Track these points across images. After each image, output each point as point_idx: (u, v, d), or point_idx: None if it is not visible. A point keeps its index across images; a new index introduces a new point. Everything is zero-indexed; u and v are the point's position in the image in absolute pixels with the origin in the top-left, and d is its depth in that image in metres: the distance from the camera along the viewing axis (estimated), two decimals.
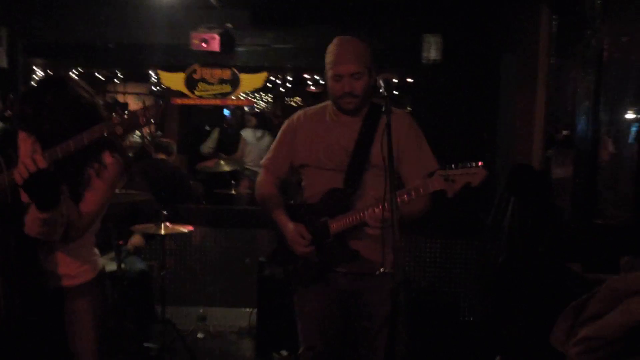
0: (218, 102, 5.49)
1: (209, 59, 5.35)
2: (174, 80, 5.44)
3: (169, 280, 4.54)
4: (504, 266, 3.74)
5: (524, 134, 4.47)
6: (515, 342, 3.52)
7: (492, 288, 3.78)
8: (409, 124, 2.80)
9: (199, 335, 5.24)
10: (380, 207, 2.50)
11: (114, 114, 2.29)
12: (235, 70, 5.42)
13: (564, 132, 4.01)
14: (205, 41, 5.03)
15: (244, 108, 7.91)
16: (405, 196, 2.50)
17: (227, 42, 5.18)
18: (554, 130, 4.19)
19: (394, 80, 2.63)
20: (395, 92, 2.54)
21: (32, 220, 2.38)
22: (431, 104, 5.32)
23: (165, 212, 4.40)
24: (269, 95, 7.55)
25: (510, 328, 3.56)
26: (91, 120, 2.51)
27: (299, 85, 10.14)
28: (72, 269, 2.64)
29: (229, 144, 7.83)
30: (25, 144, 2.54)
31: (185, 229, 4.47)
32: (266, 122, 8.05)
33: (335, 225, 2.71)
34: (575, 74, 4.17)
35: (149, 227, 4.36)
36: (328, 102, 2.89)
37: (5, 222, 2.43)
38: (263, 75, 5.48)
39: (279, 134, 2.98)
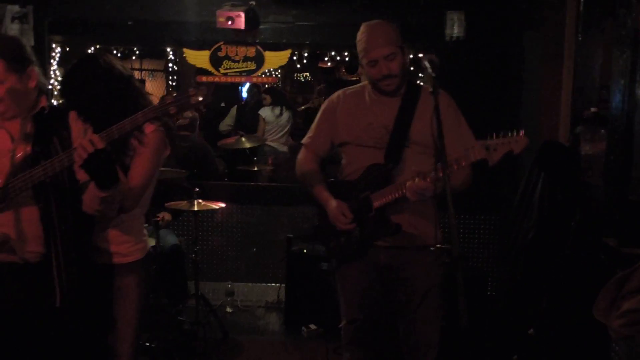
0: (243, 79, 5.57)
1: (234, 37, 5.40)
2: (199, 58, 5.52)
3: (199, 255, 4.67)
4: (534, 242, 3.84)
5: (550, 111, 4.55)
6: (542, 316, 3.63)
7: (522, 264, 3.89)
8: (449, 101, 2.93)
9: (228, 309, 5.40)
10: (419, 178, 2.63)
11: (166, 93, 2.37)
12: (259, 48, 5.49)
13: (592, 110, 4.08)
14: (231, 19, 5.09)
15: (259, 85, 7.95)
16: (455, 166, 2.61)
17: (252, 19, 5.24)
18: (581, 107, 4.26)
19: (436, 60, 2.71)
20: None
21: (91, 199, 2.49)
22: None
23: (197, 189, 4.51)
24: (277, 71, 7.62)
25: (537, 303, 3.67)
26: (128, 94, 2.69)
27: (314, 61, 10.21)
28: (124, 248, 2.77)
29: (247, 121, 7.90)
30: (76, 124, 2.63)
31: (217, 205, 4.58)
32: (280, 98, 8.10)
33: (377, 200, 2.82)
34: (604, 51, 4.25)
35: (182, 204, 4.47)
36: (366, 83, 3.01)
37: (63, 201, 2.53)
38: (287, 52, 5.56)
39: (319, 113, 3.12)
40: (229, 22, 5.09)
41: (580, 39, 4.28)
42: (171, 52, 8.42)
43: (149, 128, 2.66)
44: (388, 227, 2.84)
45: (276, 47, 5.56)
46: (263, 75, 5.59)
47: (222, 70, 5.49)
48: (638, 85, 3.04)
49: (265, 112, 7.84)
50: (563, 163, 3.80)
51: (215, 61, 5.50)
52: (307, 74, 13.70)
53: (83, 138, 2.31)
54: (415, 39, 5.58)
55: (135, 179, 2.61)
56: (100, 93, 2.63)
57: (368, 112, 2.95)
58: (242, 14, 5.11)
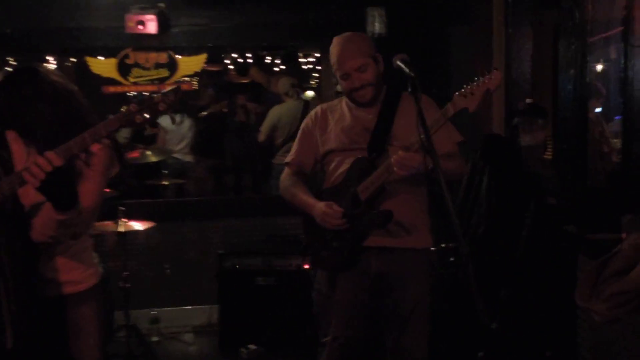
0: (155, 88, 5.45)
1: (142, 42, 5.29)
2: (105, 67, 5.34)
3: (113, 282, 4.49)
4: (485, 236, 4.04)
5: (482, 105, 4.78)
6: (504, 310, 3.83)
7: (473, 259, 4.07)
8: (431, 104, 3.01)
9: (154, 338, 5.24)
10: (402, 150, 2.72)
11: (132, 102, 2.30)
12: (172, 53, 5.40)
13: (528, 101, 4.35)
14: (142, 23, 4.98)
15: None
16: (429, 126, 2.64)
17: (163, 22, 5.16)
18: (515, 99, 4.53)
19: (408, 59, 2.83)
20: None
21: (44, 224, 2.39)
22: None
23: (122, 208, 4.38)
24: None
25: (497, 297, 3.87)
26: (71, 109, 2.55)
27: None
28: (76, 274, 2.65)
29: (147, 133, 7.72)
30: (17, 144, 2.52)
31: (145, 225, 4.47)
32: (184, 105, 8.00)
33: (364, 190, 2.90)
34: (534, 43, 4.55)
35: (108, 225, 4.32)
36: (343, 97, 3.13)
37: (10, 231, 2.40)
38: (203, 56, 5.51)
39: (300, 132, 3.23)
40: (140, 27, 4.98)
41: (510, 31, 4.55)
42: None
43: (95, 146, 2.57)
44: (379, 216, 2.90)
45: (190, 52, 5.49)
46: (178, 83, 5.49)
47: (131, 79, 5.36)
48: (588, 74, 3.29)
49: (165, 121, 7.69)
50: (507, 155, 4.01)
51: (124, 69, 5.35)
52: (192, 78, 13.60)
53: (37, 156, 2.18)
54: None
55: (86, 201, 2.46)
56: (44, 110, 2.46)
57: (347, 119, 3.07)
58: (154, 17, 5.01)
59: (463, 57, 5.09)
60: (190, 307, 5.50)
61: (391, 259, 2.97)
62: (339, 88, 11.42)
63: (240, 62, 10.11)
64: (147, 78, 5.38)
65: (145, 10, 5.07)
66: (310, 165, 3.19)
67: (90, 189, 2.51)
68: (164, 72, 5.39)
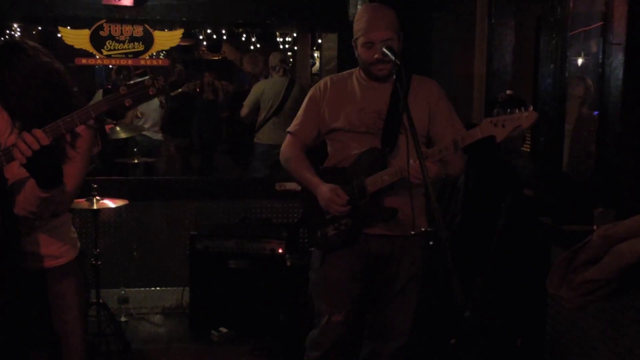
0: (129, 62, 5.58)
1: (117, 14, 5.40)
2: (78, 38, 5.45)
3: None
4: (462, 225, 4.29)
5: (462, 95, 5.03)
6: (478, 298, 4.09)
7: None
8: (439, 90, 3.26)
9: (122, 318, 5.41)
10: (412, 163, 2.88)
11: (121, 84, 2.42)
12: (147, 27, 5.52)
13: (508, 92, 4.59)
14: None
15: (130, 68, 7.91)
16: (452, 144, 2.92)
17: None
18: (496, 90, 4.77)
19: (394, 47, 3.03)
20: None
21: (27, 200, 2.52)
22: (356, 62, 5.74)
23: (95, 185, 4.53)
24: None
25: (471, 285, 4.12)
26: (57, 88, 2.66)
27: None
28: (54, 249, 2.80)
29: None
30: (1, 116, 2.65)
31: (118, 203, 4.63)
32: None
33: (372, 184, 3.06)
34: (516, 35, 4.79)
35: (82, 203, 4.47)
36: (354, 70, 3.27)
37: None
38: (179, 32, 5.64)
39: (305, 101, 3.33)
40: None
41: (493, 22, 4.78)
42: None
43: (79, 127, 2.70)
44: (384, 212, 3.10)
45: (166, 26, 5.62)
46: (152, 58, 5.63)
47: (105, 52, 5.46)
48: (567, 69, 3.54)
49: None
50: (485, 145, 4.25)
51: (97, 41, 5.46)
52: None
53: (25, 133, 2.29)
54: (317, 19, 5.89)
55: (69, 181, 2.60)
56: (31, 86, 2.57)
57: (359, 97, 3.18)
58: None
59: (445, 44, 5.31)
60: (160, 288, 5.67)
61: (390, 242, 3.18)
62: (315, 69, 11.55)
63: (213, 39, 10.22)
64: (121, 51, 5.49)
65: None
66: (313, 137, 3.31)
67: (74, 169, 2.65)
68: (139, 46, 5.51)
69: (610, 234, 2.83)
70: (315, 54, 12.79)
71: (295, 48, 11.16)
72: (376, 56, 3.04)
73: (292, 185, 5.51)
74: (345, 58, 9.50)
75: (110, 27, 5.45)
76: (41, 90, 2.60)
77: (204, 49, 14.05)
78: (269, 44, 10.45)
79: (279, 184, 5.69)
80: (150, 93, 2.37)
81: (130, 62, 5.56)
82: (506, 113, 2.86)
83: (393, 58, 2.86)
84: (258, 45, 10.41)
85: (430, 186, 2.51)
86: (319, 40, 10.33)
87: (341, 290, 3.23)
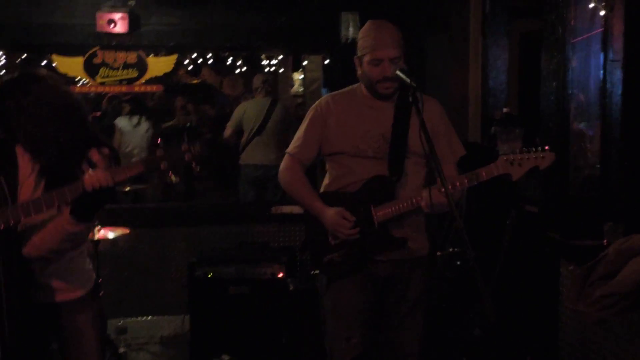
0: (124, 89, 5.60)
1: (109, 41, 5.42)
2: (71, 65, 5.46)
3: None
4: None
5: (457, 113, 5.11)
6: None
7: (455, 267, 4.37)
8: (441, 110, 3.24)
9: (121, 349, 5.36)
10: (436, 190, 2.87)
11: (159, 148, 2.42)
12: (141, 53, 5.55)
13: (505, 110, 4.69)
14: (113, 22, 5.13)
15: (118, 96, 7.93)
16: (466, 181, 2.93)
17: (134, 21, 5.31)
18: (492, 108, 4.87)
19: (406, 68, 3.06)
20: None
21: (49, 238, 2.50)
22: (350, 83, 5.80)
23: None
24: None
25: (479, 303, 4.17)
26: (78, 117, 2.65)
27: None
28: (70, 281, 2.76)
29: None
30: (23, 160, 2.57)
31: (120, 231, 4.61)
32: (141, 107, 8.10)
33: (381, 213, 3.04)
34: (510, 53, 4.89)
35: None
36: (355, 86, 3.24)
37: (9, 245, 2.47)
38: (173, 57, 5.68)
39: (306, 121, 3.27)
40: (111, 26, 5.13)
41: (487, 41, 4.88)
42: None
43: (95, 156, 2.68)
44: (392, 242, 3.08)
45: (160, 52, 5.65)
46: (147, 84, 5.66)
47: (98, 79, 5.49)
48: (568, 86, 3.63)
49: (122, 122, 7.75)
50: (485, 163, 4.32)
51: (91, 69, 5.48)
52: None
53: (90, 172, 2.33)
54: (310, 41, 5.96)
55: None
56: (48, 123, 2.53)
57: (363, 118, 3.13)
58: (126, 16, 5.17)
59: (439, 65, 5.40)
60: (158, 317, 5.64)
61: (398, 266, 3.16)
62: (293, 90, 11.60)
63: (196, 63, 10.23)
64: (115, 78, 5.52)
65: (115, 8, 5.22)
66: (313, 158, 3.27)
67: None
68: (133, 73, 5.54)
69: (625, 247, 2.90)
70: (295, 76, 12.94)
71: (281, 70, 11.29)
72: (385, 74, 3.01)
73: (288, 209, 5.56)
74: (329, 79, 9.63)
75: (104, 54, 5.47)
76: (56, 122, 2.56)
77: (182, 72, 14.08)
78: (254, 67, 10.52)
79: (275, 207, 5.73)
80: (186, 159, 2.40)
81: (124, 88, 5.58)
82: (526, 152, 2.89)
83: (408, 81, 2.85)
84: (244, 69, 10.48)
85: (454, 205, 2.53)
86: (305, 62, 10.52)
87: (355, 313, 3.18)
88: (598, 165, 3.63)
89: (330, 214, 3.07)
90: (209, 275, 5.13)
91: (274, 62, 10.10)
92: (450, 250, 2.90)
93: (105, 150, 2.66)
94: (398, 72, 2.94)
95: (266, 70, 10.52)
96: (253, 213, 5.79)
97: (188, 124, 9.60)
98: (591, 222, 3.49)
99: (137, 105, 7.98)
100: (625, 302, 2.85)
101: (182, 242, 5.67)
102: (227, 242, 5.61)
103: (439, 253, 3.02)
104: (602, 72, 3.63)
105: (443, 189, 2.80)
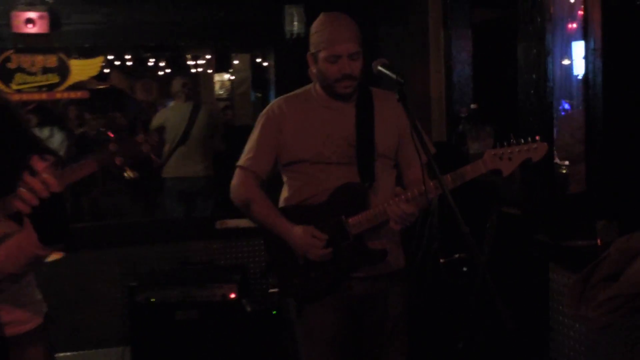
0: (44, 96, 5.43)
1: (25, 43, 5.26)
2: None
3: None
4: (441, 251, 4.40)
5: (419, 112, 5.18)
6: (470, 327, 4.20)
7: (430, 276, 4.43)
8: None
9: None
10: (403, 202, 2.84)
11: (111, 141, 2.30)
12: (62, 56, 5.40)
13: (473, 106, 4.77)
14: (32, 21, 4.99)
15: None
16: (450, 180, 2.89)
17: (54, 21, 5.19)
18: (458, 104, 4.95)
19: (389, 63, 3.03)
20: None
21: (11, 260, 2.43)
22: (297, 82, 5.79)
23: None
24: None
25: (462, 314, 4.23)
26: (12, 127, 2.62)
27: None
28: (20, 313, 2.67)
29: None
30: None
31: (54, 256, 4.45)
32: (51, 116, 7.89)
33: (356, 225, 2.96)
34: (474, 45, 5.00)
35: None
36: (309, 87, 3.18)
37: None
38: (99, 59, 5.55)
39: (257, 128, 3.17)
40: (30, 26, 4.99)
41: (449, 32, 4.97)
42: None
43: (39, 165, 2.63)
44: (372, 255, 3.01)
45: (84, 54, 5.52)
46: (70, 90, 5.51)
47: (14, 87, 5.29)
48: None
49: (40, 134, 7.56)
50: (454, 164, 4.41)
51: (6, 75, 5.29)
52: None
53: (30, 178, 2.18)
54: (252, 37, 5.94)
55: None
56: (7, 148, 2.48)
57: (322, 121, 3.06)
58: (46, 15, 5.03)
59: (396, 58, 5.43)
60: (93, 350, 5.48)
61: (373, 283, 3.10)
62: (220, 92, 11.63)
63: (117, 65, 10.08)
64: (33, 85, 5.34)
65: (33, 6, 5.07)
66: (269, 170, 3.16)
67: None
68: (54, 78, 5.37)
69: (629, 246, 2.99)
70: (218, 77, 12.87)
71: (208, 71, 11.23)
72: (344, 72, 2.94)
73: (234, 223, 5.51)
74: (259, 79, 9.60)
75: (19, 58, 5.29)
76: (14, 148, 2.50)
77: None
78: (178, 68, 10.45)
79: (219, 221, 5.67)
80: (144, 151, 2.31)
81: (44, 96, 5.40)
82: (515, 144, 2.86)
83: (395, 77, 2.76)
84: (167, 71, 10.38)
85: (457, 210, 2.55)
86: (236, 62, 10.50)
87: (330, 340, 3.11)
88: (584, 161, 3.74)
89: (298, 233, 2.98)
90: (152, 300, 5.06)
91: (200, 62, 10.02)
92: (457, 256, 2.90)
93: (50, 158, 2.61)
94: (380, 68, 2.86)
95: (193, 70, 10.45)
96: (195, 229, 5.70)
97: (101, 129, 9.44)
98: (582, 221, 3.59)
99: (46, 115, 7.76)
100: (632, 304, 2.93)
101: (115, 265, 5.50)
102: (167, 263, 5.51)
103: (442, 260, 3.01)
104: (584, 62, 3.75)
105: (409, 195, 2.85)
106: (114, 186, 9.76)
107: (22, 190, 2.17)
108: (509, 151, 2.85)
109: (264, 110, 3.20)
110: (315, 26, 3.06)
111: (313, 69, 3.08)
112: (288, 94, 3.23)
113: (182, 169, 6.88)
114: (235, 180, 3.18)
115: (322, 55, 2.97)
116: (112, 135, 2.33)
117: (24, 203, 2.16)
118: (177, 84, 7.11)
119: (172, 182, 6.96)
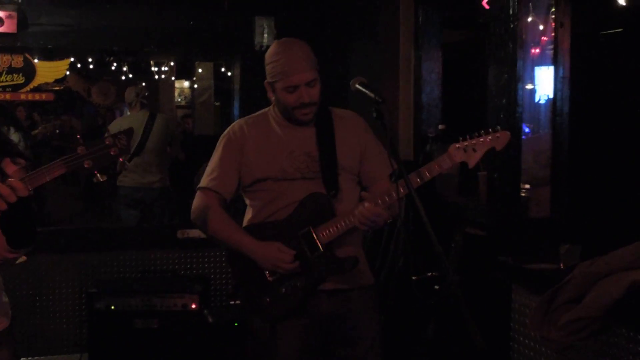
0: (8, 96, 5.42)
1: None
2: None
3: None
4: (405, 269, 4.51)
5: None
6: (431, 347, 4.31)
7: (392, 295, 4.53)
8: (363, 121, 3.26)
9: None
10: (370, 203, 2.87)
11: (79, 145, 2.33)
12: (28, 57, 5.41)
13: (440, 127, 4.90)
14: (0, 21, 4.98)
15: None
16: (418, 180, 2.95)
17: (22, 21, 5.19)
18: (427, 124, 5.07)
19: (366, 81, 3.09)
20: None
21: None
22: (264, 97, 5.87)
23: None
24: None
25: (423, 334, 4.34)
26: (3, 150, 2.61)
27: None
28: None
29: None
30: None
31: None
32: (6, 116, 7.83)
33: (325, 234, 3.01)
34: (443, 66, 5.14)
35: None
36: (267, 110, 3.24)
37: None
38: (65, 62, 5.57)
39: (218, 150, 3.21)
40: None
41: (420, 53, 5.10)
42: None
43: (10, 168, 2.66)
44: (344, 263, 3.04)
45: (51, 56, 5.52)
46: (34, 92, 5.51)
47: None
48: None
49: None
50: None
51: None
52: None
53: None
54: (221, 48, 6.00)
55: None
56: None
57: (283, 139, 3.13)
58: (15, 15, 5.03)
59: (366, 76, 5.54)
60: (49, 357, 5.45)
61: (342, 299, 3.14)
62: (180, 101, 11.63)
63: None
64: None
65: (1, 5, 5.07)
66: (232, 192, 3.19)
67: None
68: (19, 79, 5.38)
69: (592, 270, 3.12)
70: (178, 84, 12.87)
71: (166, 77, 11.22)
72: (303, 101, 3.00)
73: (196, 232, 5.52)
74: (222, 88, 9.64)
75: None
76: None
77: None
78: (140, 73, 10.44)
79: (181, 231, 5.69)
80: (112, 153, 2.35)
81: (9, 96, 5.39)
82: (477, 136, 2.93)
83: (373, 96, 2.79)
84: (131, 76, 10.35)
85: (430, 228, 2.62)
86: (199, 70, 10.52)
87: None
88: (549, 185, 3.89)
89: (264, 250, 3.03)
90: (111, 307, 5.07)
91: (164, 68, 10.03)
92: (429, 274, 2.97)
93: (21, 162, 2.65)
94: (358, 86, 2.91)
95: (155, 77, 10.45)
96: (156, 237, 5.72)
97: (57, 131, 9.39)
98: (546, 245, 3.72)
99: (2, 115, 7.70)
100: (594, 327, 3.06)
101: (73, 271, 5.50)
102: (127, 271, 5.54)
103: (414, 277, 3.08)
104: (553, 89, 3.90)
105: (379, 201, 2.89)
106: (66, 190, 9.73)
107: None
108: (473, 142, 2.93)
109: (225, 132, 3.25)
110: (270, 56, 3.10)
111: (271, 96, 3.14)
112: (248, 117, 3.28)
113: (137, 179, 6.86)
114: (196, 202, 3.20)
115: (279, 85, 3.03)
116: (79, 137, 2.36)
117: None
118: (130, 93, 7.06)
119: (126, 191, 6.94)
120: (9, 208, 2.22)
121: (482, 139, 2.93)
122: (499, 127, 2.94)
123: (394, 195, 2.89)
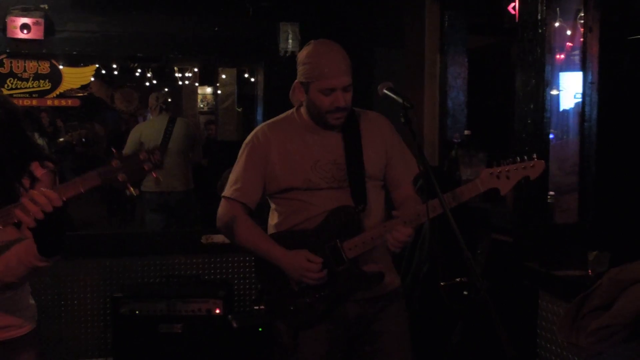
0: (35, 102, 5.48)
1: (19, 48, 5.32)
2: None
3: None
4: (430, 275, 4.50)
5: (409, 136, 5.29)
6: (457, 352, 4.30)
7: (417, 300, 4.52)
8: (389, 123, 3.22)
9: None
10: (401, 225, 2.87)
11: (114, 158, 2.33)
12: (55, 63, 5.47)
13: (466, 132, 4.90)
14: (27, 27, 5.04)
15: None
16: (452, 202, 2.94)
17: (48, 27, 5.25)
18: (452, 130, 5.08)
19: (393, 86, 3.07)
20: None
21: (10, 270, 2.48)
22: (285, 99, 5.89)
23: None
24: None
25: (449, 338, 4.33)
26: (14, 132, 2.65)
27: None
28: (14, 318, 2.73)
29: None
30: None
31: None
32: (32, 120, 7.95)
33: (351, 249, 2.97)
34: (464, 71, 5.14)
35: None
36: (290, 113, 3.18)
37: None
38: (91, 68, 5.62)
39: (242, 158, 3.15)
40: (24, 31, 5.04)
41: (445, 58, 5.11)
42: None
43: (39, 171, 2.67)
44: (369, 278, 3.02)
45: (77, 62, 5.58)
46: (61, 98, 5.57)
47: (5, 91, 5.34)
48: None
49: None
50: (447, 189, 4.51)
51: None
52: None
53: (36, 193, 2.24)
54: (245, 54, 6.03)
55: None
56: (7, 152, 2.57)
57: (308, 147, 3.07)
58: (42, 21, 5.09)
59: (390, 80, 5.56)
60: None
61: (369, 305, 3.12)
62: (202, 107, 11.67)
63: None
64: (24, 90, 5.40)
65: (28, 12, 5.13)
66: (257, 200, 3.14)
67: None
68: (46, 85, 5.44)
69: (620, 277, 3.11)
70: (201, 90, 12.93)
71: (190, 84, 11.30)
72: (338, 105, 2.94)
73: (220, 238, 5.56)
74: (245, 94, 9.66)
75: (11, 62, 5.35)
76: (6, 130, 2.60)
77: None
78: (164, 79, 10.52)
79: (205, 236, 5.72)
80: (146, 169, 2.34)
81: (35, 102, 5.46)
82: (511, 163, 2.89)
83: (402, 101, 2.81)
84: (154, 82, 10.43)
85: (459, 234, 2.64)
86: (223, 76, 10.58)
87: None
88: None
89: (292, 258, 2.99)
90: (136, 312, 5.11)
91: (187, 74, 10.09)
92: (458, 280, 2.94)
93: (49, 165, 2.68)
94: (386, 91, 2.91)
95: (179, 83, 10.52)
96: (181, 243, 5.75)
97: (83, 139, 9.48)
98: (574, 251, 3.71)
99: (28, 121, 7.79)
100: (623, 334, 3.05)
101: (98, 276, 5.54)
102: (151, 275, 5.59)
103: (442, 283, 3.04)
104: (582, 96, 3.89)
105: (407, 217, 2.89)
106: (90, 195, 9.79)
107: (27, 202, 2.22)
108: (507, 169, 2.87)
109: (248, 139, 3.19)
110: (306, 55, 3.02)
111: (302, 98, 3.07)
112: (270, 120, 3.22)
113: (160, 184, 6.91)
114: (221, 211, 3.17)
115: (314, 86, 2.96)
116: (115, 151, 2.37)
117: (27, 216, 2.22)
118: (152, 99, 7.13)
119: (150, 196, 6.98)
120: (44, 217, 2.24)
121: (515, 167, 2.87)
122: (535, 155, 2.89)
123: (425, 216, 2.90)
